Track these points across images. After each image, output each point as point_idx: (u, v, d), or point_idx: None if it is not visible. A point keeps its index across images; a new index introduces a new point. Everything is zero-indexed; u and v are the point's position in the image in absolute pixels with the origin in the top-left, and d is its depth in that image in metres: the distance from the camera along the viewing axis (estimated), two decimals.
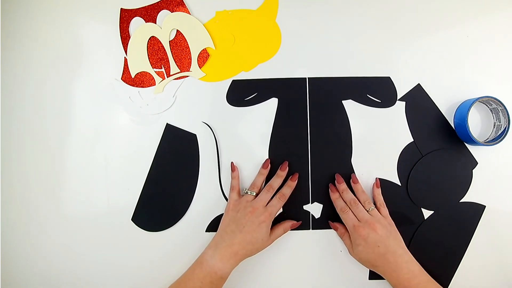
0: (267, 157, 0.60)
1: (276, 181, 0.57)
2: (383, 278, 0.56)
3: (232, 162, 0.59)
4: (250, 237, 0.53)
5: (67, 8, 0.62)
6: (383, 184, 0.60)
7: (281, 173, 0.58)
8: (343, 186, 0.58)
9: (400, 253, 0.53)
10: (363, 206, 0.56)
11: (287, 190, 0.57)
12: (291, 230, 0.59)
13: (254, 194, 0.56)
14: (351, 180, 0.59)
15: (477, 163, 0.60)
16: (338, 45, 0.61)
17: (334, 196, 0.58)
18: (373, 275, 0.59)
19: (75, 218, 0.60)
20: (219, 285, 0.52)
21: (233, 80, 0.61)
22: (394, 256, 0.52)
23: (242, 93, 0.61)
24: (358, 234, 0.53)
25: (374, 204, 0.58)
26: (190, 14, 0.61)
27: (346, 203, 0.57)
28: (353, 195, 0.57)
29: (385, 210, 0.57)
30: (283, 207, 0.60)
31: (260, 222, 0.53)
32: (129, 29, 0.61)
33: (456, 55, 0.61)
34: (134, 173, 0.60)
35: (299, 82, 0.61)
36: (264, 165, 0.58)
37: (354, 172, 0.60)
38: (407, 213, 0.60)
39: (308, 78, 0.61)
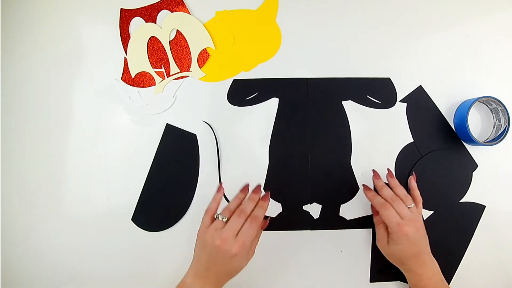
0: (267, 160, 0.60)
1: (249, 204, 0.51)
2: (384, 281, 0.57)
3: (221, 183, 0.57)
4: (225, 270, 0.48)
5: (67, 8, 0.62)
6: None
7: (254, 196, 0.52)
8: (381, 182, 0.55)
9: (428, 252, 0.52)
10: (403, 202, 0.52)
11: (259, 212, 0.50)
12: (290, 230, 0.59)
13: (225, 220, 0.49)
14: (386, 175, 0.56)
15: (477, 165, 0.60)
16: (338, 45, 0.61)
17: (369, 194, 0.54)
18: (374, 278, 0.59)
19: (75, 218, 0.60)
20: None
21: (234, 80, 0.61)
22: (425, 255, 0.51)
23: (243, 92, 0.61)
24: (403, 232, 0.49)
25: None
26: (190, 14, 0.61)
27: (386, 199, 0.52)
28: (392, 192, 0.53)
29: (421, 207, 0.54)
30: (282, 208, 0.60)
31: (232, 255, 0.46)
32: (129, 29, 0.61)
33: (456, 55, 0.61)
34: (134, 173, 0.60)
35: (299, 82, 0.61)
36: (242, 190, 0.54)
37: (353, 173, 0.60)
38: None
39: (308, 78, 0.61)
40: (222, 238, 0.47)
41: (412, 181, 0.56)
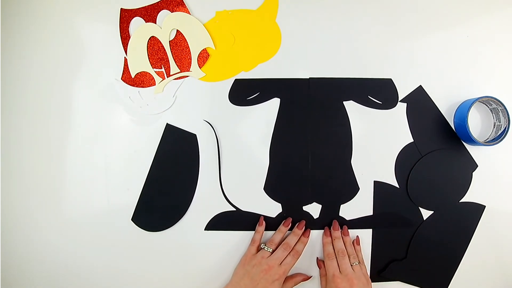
0: (267, 160, 0.60)
1: (293, 239, 0.58)
2: (384, 281, 0.58)
3: (262, 217, 0.59)
4: None
5: (67, 8, 0.62)
6: (382, 186, 0.60)
7: (298, 231, 0.58)
8: (337, 233, 0.58)
9: None
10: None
11: (301, 247, 0.58)
12: (289, 230, 0.59)
13: (270, 251, 0.56)
14: (341, 231, 0.59)
15: (477, 165, 0.60)
16: (339, 46, 0.61)
17: (325, 239, 0.59)
18: (375, 278, 0.59)
19: (75, 218, 0.60)
20: None
21: (235, 79, 0.61)
22: None
23: (244, 92, 0.61)
24: (336, 284, 0.53)
25: None
26: (190, 14, 0.61)
27: (334, 250, 0.57)
28: (343, 246, 0.57)
29: (364, 268, 0.57)
30: (282, 208, 0.60)
31: (274, 280, 0.54)
32: (129, 29, 0.61)
33: (456, 55, 0.61)
34: (134, 173, 0.60)
35: (301, 82, 0.61)
36: (285, 224, 0.59)
37: (353, 173, 0.60)
38: (405, 214, 0.60)
39: (309, 78, 0.61)
40: (269, 265, 0.54)
41: (355, 245, 0.59)
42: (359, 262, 0.56)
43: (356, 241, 0.59)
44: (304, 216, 0.60)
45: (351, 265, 0.55)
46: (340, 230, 0.59)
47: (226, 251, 0.60)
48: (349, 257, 0.56)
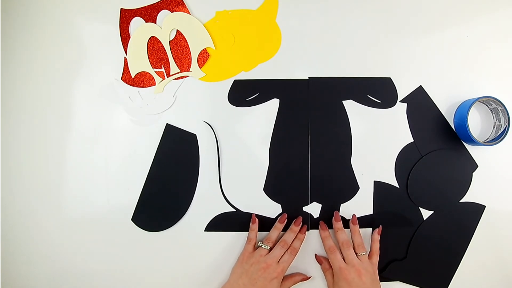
0: (267, 160, 0.60)
1: (290, 236, 0.57)
2: (385, 281, 0.58)
3: (254, 215, 0.59)
4: None
5: (67, 8, 0.62)
6: (382, 186, 0.60)
7: (295, 228, 0.58)
8: (339, 224, 0.57)
9: None
10: (355, 249, 0.55)
11: (298, 244, 0.57)
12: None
13: (268, 248, 0.56)
14: (350, 221, 0.59)
15: (477, 165, 0.60)
16: (339, 45, 0.61)
17: (323, 234, 0.58)
18: None
19: (75, 218, 0.60)
20: None
21: (235, 80, 0.61)
22: None
23: (244, 93, 0.61)
24: (344, 276, 0.53)
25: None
26: (190, 14, 0.61)
27: (338, 242, 0.57)
28: (347, 237, 0.57)
29: (376, 258, 0.56)
30: (282, 208, 0.60)
31: (272, 278, 0.53)
32: (129, 29, 0.61)
33: (456, 55, 0.61)
34: (134, 173, 0.60)
35: (300, 82, 0.61)
36: (280, 220, 0.58)
37: (353, 173, 0.60)
38: (405, 214, 0.60)
39: (309, 78, 0.61)
40: (267, 263, 0.54)
41: (375, 234, 0.58)
42: (366, 253, 0.55)
43: (378, 231, 0.58)
44: (304, 216, 0.60)
45: (357, 255, 0.55)
46: (341, 221, 0.58)
47: (226, 252, 0.60)
48: (358, 247, 0.55)
